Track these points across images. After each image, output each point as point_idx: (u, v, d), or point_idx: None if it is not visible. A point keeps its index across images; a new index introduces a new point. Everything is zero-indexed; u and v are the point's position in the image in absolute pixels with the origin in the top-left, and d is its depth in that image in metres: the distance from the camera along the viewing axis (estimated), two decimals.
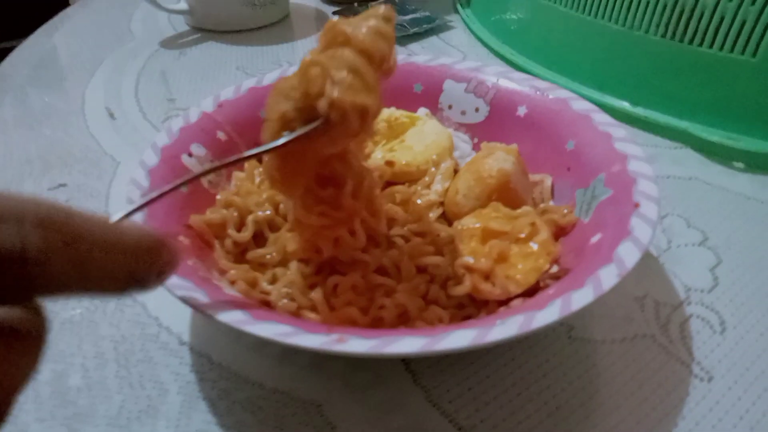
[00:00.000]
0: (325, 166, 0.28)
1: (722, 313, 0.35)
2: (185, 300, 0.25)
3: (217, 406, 0.31)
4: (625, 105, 0.53)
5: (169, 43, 0.70)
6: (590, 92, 0.54)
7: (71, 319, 0.36)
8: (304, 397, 0.31)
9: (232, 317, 0.24)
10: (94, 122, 0.54)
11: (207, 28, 0.72)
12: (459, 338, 0.23)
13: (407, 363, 0.32)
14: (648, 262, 0.38)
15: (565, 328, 0.34)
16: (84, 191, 0.46)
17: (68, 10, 0.80)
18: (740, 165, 0.47)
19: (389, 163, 0.38)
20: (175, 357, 0.33)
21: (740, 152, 0.47)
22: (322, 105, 0.26)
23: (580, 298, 0.25)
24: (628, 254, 0.27)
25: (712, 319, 0.34)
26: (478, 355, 0.33)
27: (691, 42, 0.47)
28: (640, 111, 0.52)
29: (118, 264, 0.19)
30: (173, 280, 0.26)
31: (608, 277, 0.26)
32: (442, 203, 0.38)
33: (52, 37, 0.72)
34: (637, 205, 0.30)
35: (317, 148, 0.28)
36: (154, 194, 0.25)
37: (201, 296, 0.26)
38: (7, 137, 0.52)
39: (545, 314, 0.24)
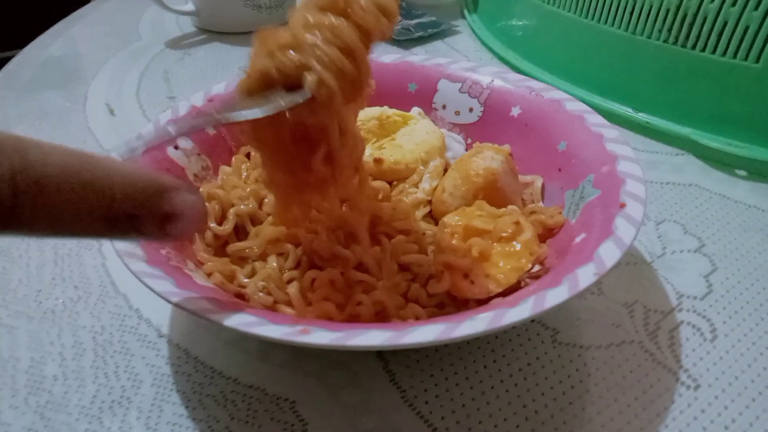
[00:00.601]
0: (301, 125, 0.27)
1: (714, 320, 0.33)
2: (150, 286, 0.25)
3: (190, 399, 0.30)
4: (627, 111, 0.52)
5: (174, 44, 0.70)
6: (593, 97, 0.54)
7: (53, 308, 0.35)
8: (278, 394, 0.30)
9: (197, 305, 0.24)
10: (93, 119, 0.55)
11: (213, 30, 0.73)
12: (425, 333, 0.22)
13: (385, 362, 0.31)
14: (641, 268, 0.37)
15: (549, 332, 0.33)
16: None
17: (79, 12, 0.81)
18: (743, 173, 0.45)
19: (378, 161, 0.38)
20: (152, 349, 0.33)
21: (743, 160, 0.45)
22: (309, 81, 0.25)
23: (554, 296, 0.24)
24: (609, 254, 0.26)
25: (703, 326, 0.33)
26: (459, 355, 0.32)
27: (693, 47, 0.46)
28: (642, 117, 0.51)
29: (86, 200, 0.18)
30: (142, 267, 0.26)
31: (585, 276, 0.25)
32: (429, 202, 0.37)
33: (61, 38, 0.73)
34: (623, 205, 0.29)
35: (297, 114, 0.27)
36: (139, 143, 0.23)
37: (169, 284, 0.25)
38: None
39: (516, 311, 0.23)
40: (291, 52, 0.25)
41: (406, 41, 0.69)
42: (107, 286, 0.37)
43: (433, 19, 0.73)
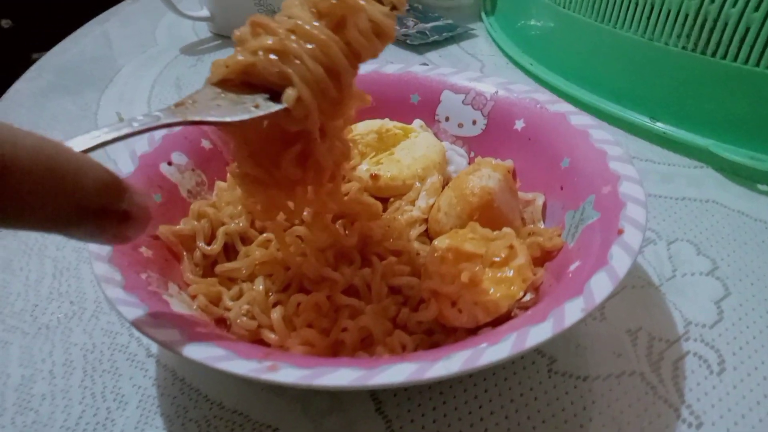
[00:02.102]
0: (278, 125, 0.26)
1: (722, 351, 0.31)
2: (123, 314, 0.24)
3: (173, 423, 0.30)
4: (643, 120, 0.49)
5: (189, 50, 0.70)
6: (608, 105, 0.52)
7: (48, 324, 0.36)
8: (260, 420, 0.30)
9: (165, 336, 0.23)
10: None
11: (228, 35, 0.73)
12: (395, 373, 0.21)
13: (372, 390, 0.31)
14: (648, 292, 0.35)
15: (546, 360, 0.32)
16: None
17: (100, 17, 0.81)
18: (765, 188, 0.43)
19: (374, 177, 0.37)
20: (140, 369, 0.33)
21: (765, 174, 0.43)
22: (288, 96, 0.24)
23: (537, 334, 0.23)
24: (600, 287, 0.25)
25: (710, 357, 0.31)
26: (448, 383, 0.31)
27: (714, 54, 0.44)
28: (659, 126, 0.48)
29: (57, 186, 0.18)
30: (117, 293, 0.25)
31: (572, 311, 0.23)
32: (426, 220, 0.36)
33: (80, 43, 0.73)
34: (621, 232, 0.28)
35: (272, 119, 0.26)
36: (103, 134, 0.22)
37: (142, 312, 0.25)
38: None
39: (495, 350, 0.22)
40: (274, 56, 0.25)
41: (420, 45, 0.68)
42: (102, 302, 0.37)
43: (450, 22, 0.72)
